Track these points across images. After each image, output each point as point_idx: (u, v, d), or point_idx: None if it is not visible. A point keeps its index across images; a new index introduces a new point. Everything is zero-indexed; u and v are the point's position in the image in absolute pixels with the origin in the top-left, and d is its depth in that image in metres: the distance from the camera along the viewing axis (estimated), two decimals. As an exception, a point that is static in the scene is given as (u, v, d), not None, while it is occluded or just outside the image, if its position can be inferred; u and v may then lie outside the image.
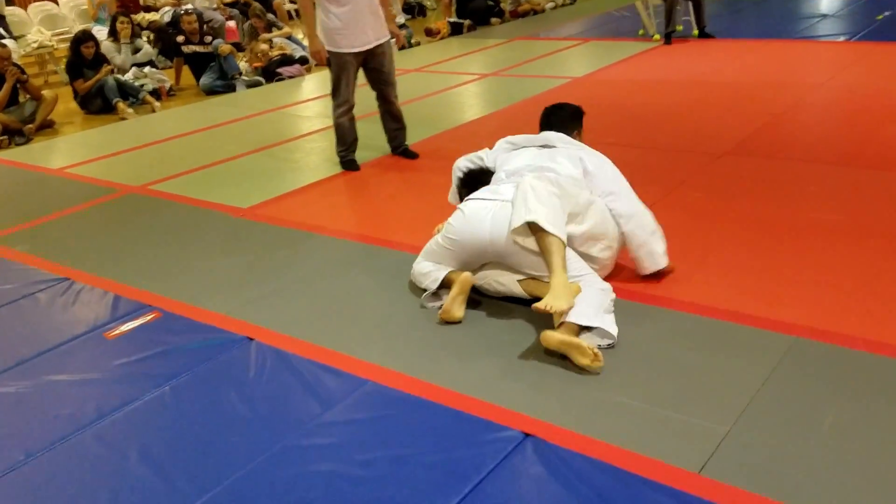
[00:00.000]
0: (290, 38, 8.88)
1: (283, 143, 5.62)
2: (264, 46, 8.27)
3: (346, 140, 4.79)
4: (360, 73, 4.68)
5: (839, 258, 3.07)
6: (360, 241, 3.68)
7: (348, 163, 4.80)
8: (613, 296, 2.76)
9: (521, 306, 2.90)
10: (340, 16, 4.39)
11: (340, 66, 4.54)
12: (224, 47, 7.89)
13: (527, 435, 2.20)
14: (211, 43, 8.07)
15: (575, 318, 2.58)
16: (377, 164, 4.88)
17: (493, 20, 10.60)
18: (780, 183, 3.91)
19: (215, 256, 3.68)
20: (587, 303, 2.62)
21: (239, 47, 8.87)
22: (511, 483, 2.04)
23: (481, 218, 2.84)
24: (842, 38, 7.31)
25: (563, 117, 3.27)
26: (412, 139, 5.01)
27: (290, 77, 8.10)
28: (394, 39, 4.72)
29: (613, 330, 2.60)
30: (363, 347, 2.74)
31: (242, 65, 8.19)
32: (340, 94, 4.64)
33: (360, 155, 4.89)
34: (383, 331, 2.86)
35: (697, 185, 3.94)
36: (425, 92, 6.81)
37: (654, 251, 2.94)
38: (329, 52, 4.51)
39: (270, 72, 8.07)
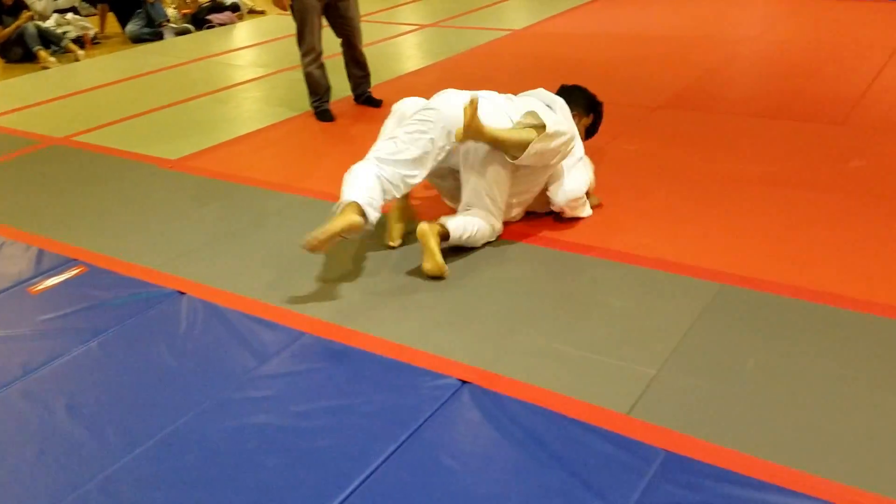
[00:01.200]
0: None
1: (214, 93, 5.44)
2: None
3: (318, 90, 4.66)
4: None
5: (766, 208, 3.16)
6: (294, 193, 3.61)
7: (322, 113, 4.66)
8: (490, 238, 2.95)
9: (456, 256, 2.91)
10: None
11: (303, 11, 4.39)
12: (151, -7, 7.55)
13: (463, 382, 2.23)
14: (137, -12, 7.71)
15: (449, 222, 2.81)
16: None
17: (432, -30, 10.39)
18: (711, 135, 3.99)
19: (143, 209, 3.57)
20: (468, 222, 2.85)
21: (167, -7, 8.51)
22: (448, 429, 2.07)
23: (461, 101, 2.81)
24: (776, -7, 7.43)
25: (577, 97, 3.20)
26: (346, 91, 4.92)
27: (221, 25, 7.82)
28: None
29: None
30: (299, 300, 2.71)
31: (170, 11, 7.87)
32: (305, 40, 4.50)
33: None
34: (319, 283, 2.83)
35: (632, 137, 3.99)
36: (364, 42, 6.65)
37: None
38: None
39: (200, 19, 7.77)
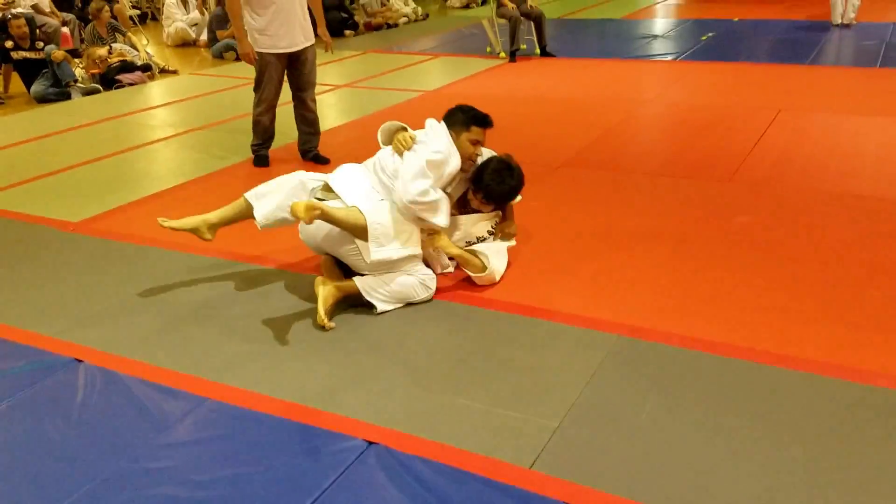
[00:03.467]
0: (131, 44, 8.47)
1: (123, 153, 5.36)
2: (102, 52, 7.84)
3: (261, 136, 4.87)
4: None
5: (659, 261, 3.33)
6: (200, 254, 3.57)
7: (260, 158, 4.89)
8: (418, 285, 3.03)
9: (365, 314, 2.94)
10: (265, 17, 4.46)
11: (263, 65, 4.61)
12: (57, 53, 7.40)
13: (370, 443, 2.24)
14: (43, 49, 7.55)
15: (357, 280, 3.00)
16: (233, 169, 4.78)
17: (347, 32, 10.62)
18: (609, 192, 4.19)
19: (41, 275, 3.46)
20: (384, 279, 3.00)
21: (75, 54, 8.36)
22: (353, 493, 2.06)
23: None
24: (670, 58, 7.91)
25: (455, 116, 3.27)
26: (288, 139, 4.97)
27: (131, 84, 7.73)
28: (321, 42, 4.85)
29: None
30: (201, 365, 2.67)
31: (78, 72, 7.73)
32: (263, 92, 4.70)
33: (231, 159, 4.80)
34: (221, 346, 2.80)
35: (536, 194, 4.13)
36: (279, 101, 6.71)
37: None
38: (256, 51, 4.57)
39: (109, 79, 7.66)
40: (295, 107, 4.88)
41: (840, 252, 3.35)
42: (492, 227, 3.33)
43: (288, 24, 4.51)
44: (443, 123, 3.23)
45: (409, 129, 3.26)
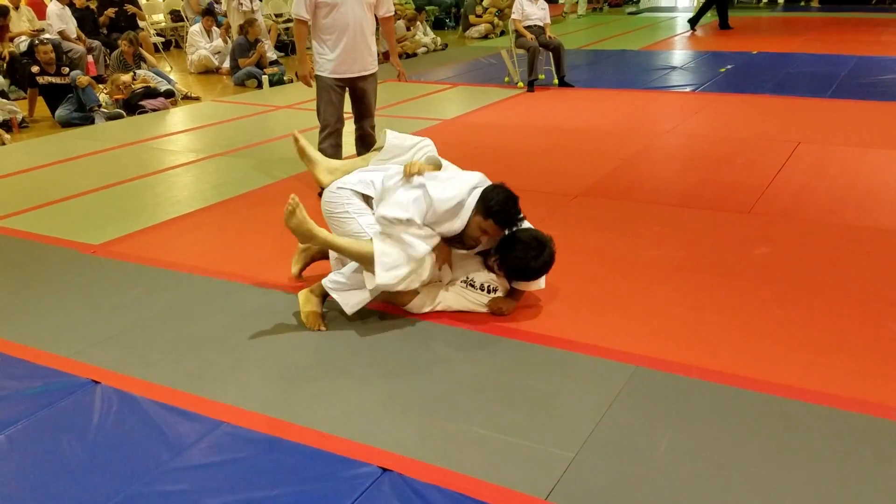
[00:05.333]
0: (155, 70, 8.62)
1: (143, 178, 5.43)
2: (126, 78, 7.99)
3: None
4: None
5: (677, 292, 3.31)
6: (217, 278, 3.60)
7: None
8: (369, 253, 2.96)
9: (381, 340, 2.93)
10: (328, 43, 4.60)
11: (321, 90, 4.73)
12: (82, 78, 7.54)
13: (385, 470, 2.22)
14: (69, 74, 7.70)
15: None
16: (253, 194, 4.82)
17: (367, 61, 10.75)
18: (627, 223, 4.18)
19: (61, 296, 3.49)
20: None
21: (100, 80, 8.51)
22: (365, 520, 2.04)
23: None
24: (688, 89, 7.93)
25: (491, 189, 3.05)
26: (281, 175, 4.98)
27: (154, 110, 7.85)
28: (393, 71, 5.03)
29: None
30: (217, 388, 2.68)
31: (102, 97, 7.86)
32: (321, 117, 4.79)
33: (251, 185, 4.81)
34: (238, 370, 2.80)
35: (552, 223, 4.14)
36: (296, 129, 6.77)
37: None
38: (315, 75, 4.72)
39: (133, 105, 7.79)
40: (355, 130, 5.02)
41: (858, 285, 3.31)
42: (490, 283, 3.13)
43: (348, 50, 4.60)
44: (470, 183, 3.04)
45: (443, 165, 3.28)
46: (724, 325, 3.00)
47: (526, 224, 3.15)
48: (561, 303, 3.24)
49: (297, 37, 4.83)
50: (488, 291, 3.15)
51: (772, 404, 2.48)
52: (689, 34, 12.57)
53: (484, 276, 3.16)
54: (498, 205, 2.96)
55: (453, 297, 3.16)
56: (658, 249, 3.78)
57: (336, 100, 4.74)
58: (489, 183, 3.11)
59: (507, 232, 3.04)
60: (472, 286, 3.15)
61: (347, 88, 4.77)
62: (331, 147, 4.80)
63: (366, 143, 5.01)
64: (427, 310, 3.14)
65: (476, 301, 3.14)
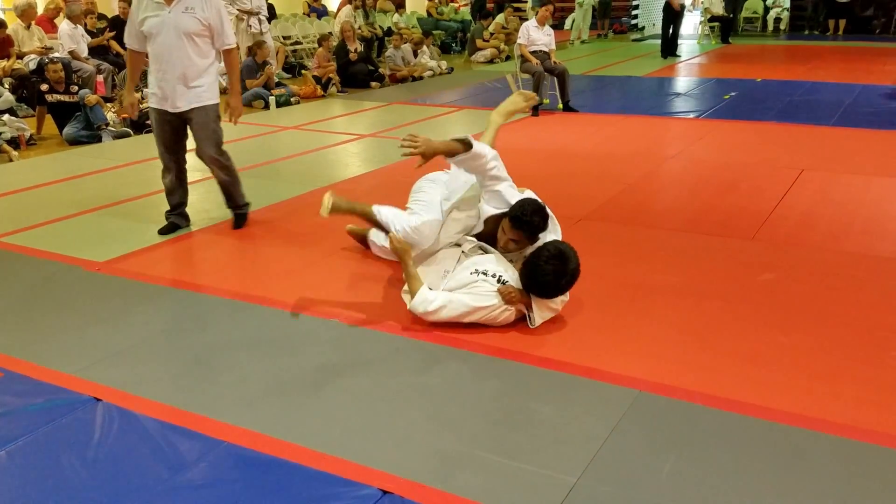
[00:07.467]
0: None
1: (150, 195, 5.45)
2: (136, 96, 8.04)
3: (168, 200, 4.64)
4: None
5: (681, 317, 3.30)
6: (221, 296, 3.60)
7: (166, 226, 4.57)
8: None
9: (384, 362, 2.93)
10: (155, 74, 4.35)
11: (153, 122, 4.48)
12: (91, 97, 7.61)
13: (385, 492, 2.21)
14: (77, 93, 7.77)
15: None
16: (255, 214, 4.83)
17: (373, 84, 10.84)
18: (630, 247, 4.18)
19: (65, 313, 3.50)
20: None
21: (108, 99, 8.58)
22: (365, 542, 2.03)
23: None
24: (693, 115, 7.98)
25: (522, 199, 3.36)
26: (286, 194, 5.00)
27: (162, 130, 7.89)
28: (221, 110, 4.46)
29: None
30: (218, 407, 2.67)
31: (111, 115, 7.92)
32: (157, 150, 4.50)
33: (254, 203, 4.83)
34: (240, 389, 2.79)
35: (557, 247, 4.15)
36: (302, 149, 6.84)
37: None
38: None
39: (140, 124, 7.84)
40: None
41: (862, 313, 3.30)
42: (501, 274, 3.16)
43: (169, 85, 4.28)
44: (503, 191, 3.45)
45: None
46: (728, 351, 2.99)
47: (553, 237, 3.31)
48: (565, 326, 3.23)
49: (127, 62, 4.70)
50: (499, 281, 3.16)
51: (775, 431, 2.47)
52: (696, 61, 12.66)
53: (495, 267, 3.19)
54: (518, 209, 3.24)
55: (458, 292, 3.15)
56: (662, 274, 3.78)
57: (165, 133, 4.40)
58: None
59: (532, 239, 3.28)
60: (484, 275, 3.16)
61: (181, 120, 4.38)
62: (168, 182, 4.54)
63: (217, 178, 4.55)
64: (432, 308, 3.13)
65: (486, 292, 3.12)
